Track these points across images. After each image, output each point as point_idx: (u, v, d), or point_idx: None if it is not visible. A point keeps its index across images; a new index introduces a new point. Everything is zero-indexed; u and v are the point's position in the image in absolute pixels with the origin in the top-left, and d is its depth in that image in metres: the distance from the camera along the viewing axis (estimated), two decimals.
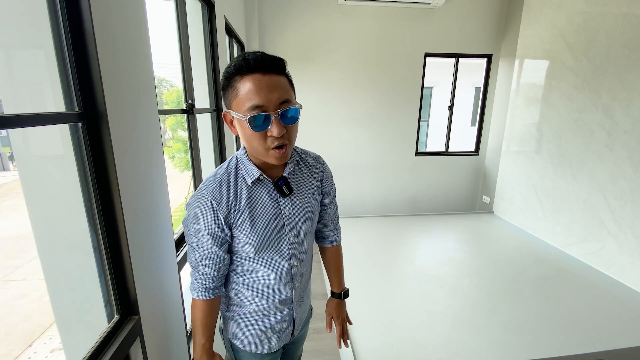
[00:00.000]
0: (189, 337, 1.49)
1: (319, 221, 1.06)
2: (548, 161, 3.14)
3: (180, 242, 1.44)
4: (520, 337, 1.89)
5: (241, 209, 0.83)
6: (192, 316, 0.92)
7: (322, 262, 1.18)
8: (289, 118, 0.77)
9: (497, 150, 3.96)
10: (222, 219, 0.82)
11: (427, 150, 5.25)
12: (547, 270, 2.65)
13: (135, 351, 0.91)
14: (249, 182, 0.84)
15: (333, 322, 1.16)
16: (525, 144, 3.45)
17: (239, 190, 0.84)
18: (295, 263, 0.95)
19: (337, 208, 1.10)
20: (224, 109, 0.85)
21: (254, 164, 0.85)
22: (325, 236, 1.11)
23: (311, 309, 1.18)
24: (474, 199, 4.41)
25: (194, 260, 0.87)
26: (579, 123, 2.80)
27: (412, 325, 1.99)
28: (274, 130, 0.75)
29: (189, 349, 1.37)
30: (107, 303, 0.88)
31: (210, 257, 0.86)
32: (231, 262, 0.92)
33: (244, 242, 0.86)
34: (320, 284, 2.91)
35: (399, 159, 4.12)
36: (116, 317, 0.87)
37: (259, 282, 0.93)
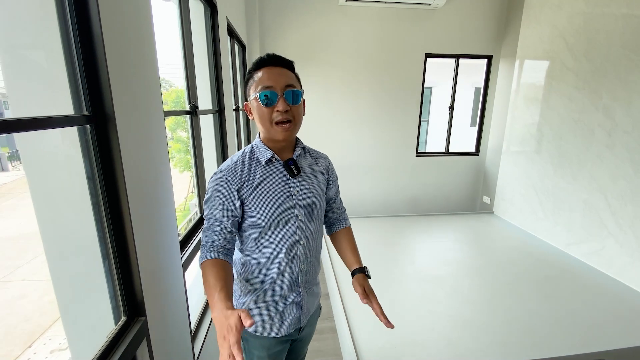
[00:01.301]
0: (193, 337, 1.49)
1: (328, 211, 1.18)
2: (548, 161, 3.15)
3: (184, 242, 1.44)
4: (521, 337, 1.90)
5: (254, 183, 0.94)
6: (203, 280, 0.88)
7: (336, 250, 1.21)
8: (292, 97, 0.92)
9: (498, 150, 3.97)
10: (235, 192, 0.93)
11: (427, 150, 5.26)
12: (548, 270, 2.66)
13: (142, 352, 0.91)
14: (263, 161, 0.96)
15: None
16: (526, 144, 3.46)
17: (252, 168, 0.96)
18: (302, 242, 1.01)
19: (341, 198, 1.25)
20: (244, 101, 1.01)
21: (268, 147, 0.98)
22: (336, 221, 1.21)
23: (320, 308, 1.19)
24: (474, 199, 4.42)
25: (206, 230, 0.94)
26: (579, 123, 2.82)
27: (414, 326, 1.99)
28: (279, 105, 0.91)
29: (193, 350, 1.37)
30: (114, 304, 0.88)
31: (219, 227, 0.93)
32: (242, 242, 1.00)
33: (257, 216, 0.95)
34: (322, 285, 2.91)
35: (400, 159, 4.13)
36: (123, 318, 0.88)
37: (268, 259, 0.98)
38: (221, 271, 0.87)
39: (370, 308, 1.04)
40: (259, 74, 0.92)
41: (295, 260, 1.00)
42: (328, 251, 2.97)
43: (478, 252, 3.03)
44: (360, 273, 1.13)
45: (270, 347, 1.04)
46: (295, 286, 1.02)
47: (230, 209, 0.93)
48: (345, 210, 1.25)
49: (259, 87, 0.91)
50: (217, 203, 0.93)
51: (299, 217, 0.99)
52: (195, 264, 1.55)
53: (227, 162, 0.96)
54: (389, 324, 1.04)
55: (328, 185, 1.13)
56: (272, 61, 0.93)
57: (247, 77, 0.97)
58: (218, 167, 0.97)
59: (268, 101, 0.90)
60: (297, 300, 1.04)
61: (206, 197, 0.96)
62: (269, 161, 0.97)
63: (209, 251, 0.91)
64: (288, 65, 0.96)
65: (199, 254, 0.94)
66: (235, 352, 0.66)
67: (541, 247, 3.08)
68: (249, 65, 3.49)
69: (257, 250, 0.98)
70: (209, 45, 2.03)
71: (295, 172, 0.99)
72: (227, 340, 0.68)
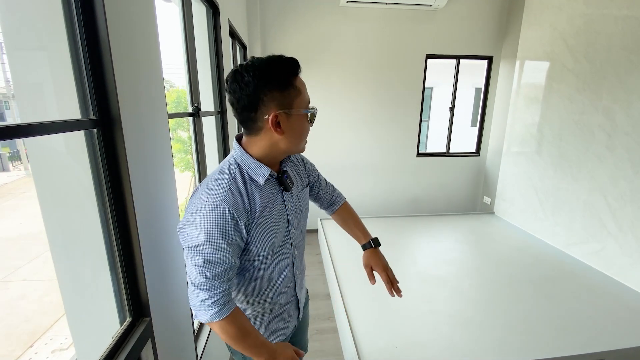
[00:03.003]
0: (196, 337, 1.50)
1: (319, 196, 1.18)
2: (548, 162, 3.16)
3: None
4: (522, 337, 1.91)
5: (257, 212, 0.83)
6: (230, 338, 0.82)
7: (343, 228, 1.26)
8: None
9: (498, 151, 3.98)
10: (242, 227, 0.80)
11: (428, 151, 5.27)
12: (548, 270, 2.67)
13: (147, 353, 0.92)
14: (261, 182, 0.84)
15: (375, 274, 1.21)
16: (526, 145, 3.46)
17: (250, 193, 0.82)
18: (296, 252, 1.00)
19: (324, 178, 1.22)
20: (279, 109, 0.81)
21: (262, 163, 0.84)
22: (332, 201, 1.22)
23: (307, 291, 1.22)
24: (474, 200, 4.43)
25: (214, 279, 0.78)
26: (580, 124, 2.82)
27: (415, 326, 2.00)
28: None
29: (196, 350, 1.38)
30: (119, 305, 0.89)
31: (227, 271, 0.79)
32: (248, 269, 0.91)
33: (260, 244, 0.85)
34: (322, 285, 2.92)
35: (400, 159, 4.14)
36: (128, 319, 0.88)
37: (269, 278, 0.93)
38: (246, 320, 0.85)
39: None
40: (301, 84, 0.83)
41: (292, 271, 0.99)
42: (329, 251, 2.98)
43: (479, 253, 3.04)
44: (369, 247, 1.17)
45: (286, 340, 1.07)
46: (293, 291, 1.03)
47: (238, 245, 0.81)
48: (333, 185, 1.25)
49: (305, 104, 0.83)
50: (222, 244, 0.77)
51: (293, 230, 0.96)
52: None
53: (217, 190, 0.78)
54: (392, 293, 1.15)
55: (308, 177, 1.10)
56: (299, 68, 0.82)
57: (284, 81, 0.79)
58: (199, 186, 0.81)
59: (313, 118, 0.85)
60: (294, 303, 1.06)
61: (195, 241, 0.76)
62: (266, 180, 0.85)
63: (222, 305, 0.79)
64: None
65: (199, 310, 0.79)
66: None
67: (541, 247, 3.09)
68: None
69: (257, 273, 0.91)
70: (211, 46, 2.04)
71: (290, 185, 0.92)
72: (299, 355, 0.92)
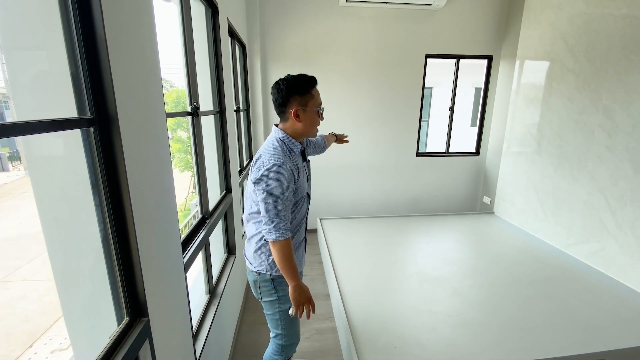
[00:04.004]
0: (194, 337, 1.50)
1: (317, 149, 1.75)
2: (548, 162, 3.16)
3: (186, 243, 1.45)
4: (522, 337, 1.90)
5: (299, 169, 1.35)
6: (283, 257, 1.28)
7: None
8: None
9: (498, 151, 3.97)
10: (295, 176, 1.31)
11: (428, 150, 5.26)
12: (548, 270, 2.67)
13: (145, 353, 0.92)
14: (297, 151, 1.39)
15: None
16: (526, 144, 3.46)
17: (292, 158, 1.34)
18: (309, 204, 1.52)
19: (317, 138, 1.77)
20: (299, 106, 1.36)
21: (297, 142, 1.39)
22: (324, 145, 1.81)
23: None
24: (474, 200, 4.43)
25: (283, 210, 1.26)
26: (580, 124, 2.82)
27: (414, 326, 2.00)
28: (322, 117, 1.40)
29: (195, 350, 1.37)
30: (117, 305, 0.89)
31: (289, 206, 1.29)
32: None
33: (299, 191, 1.36)
34: (322, 285, 2.91)
35: (400, 159, 4.13)
36: (126, 319, 0.88)
37: (300, 217, 1.43)
38: (292, 250, 1.32)
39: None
40: (316, 93, 1.34)
41: (306, 217, 1.50)
42: (328, 251, 2.98)
43: (478, 253, 3.04)
44: (334, 137, 1.92)
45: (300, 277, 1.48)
46: (304, 234, 1.53)
47: (293, 189, 1.30)
48: (321, 136, 1.79)
49: (317, 104, 1.35)
50: (288, 187, 1.26)
51: (307, 186, 1.46)
52: (195, 265, 1.56)
53: (280, 156, 1.27)
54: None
55: (307, 148, 1.65)
56: (315, 82, 1.36)
57: (304, 89, 1.31)
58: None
59: (322, 115, 1.39)
60: (304, 243, 1.55)
61: (272, 185, 1.24)
62: (300, 151, 1.41)
63: (286, 229, 1.28)
64: None
65: (271, 231, 1.27)
66: (313, 307, 1.38)
67: (541, 247, 3.08)
68: (249, 66, 3.50)
69: (295, 213, 1.39)
70: (210, 46, 2.03)
71: (307, 157, 1.50)
72: (312, 303, 1.36)
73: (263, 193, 1.25)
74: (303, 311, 1.35)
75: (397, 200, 4.26)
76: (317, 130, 1.41)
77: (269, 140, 1.36)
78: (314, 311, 1.38)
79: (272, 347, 1.60)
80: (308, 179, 1.47)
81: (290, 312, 1.37)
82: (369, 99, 3.90)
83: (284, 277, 1.33)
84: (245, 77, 3.36)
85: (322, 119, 1.38)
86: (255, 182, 1.27)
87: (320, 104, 1.35)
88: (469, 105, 7.66)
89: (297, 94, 1.30)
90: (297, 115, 1.31)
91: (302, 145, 1.45)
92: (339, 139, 1.97)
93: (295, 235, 1.43)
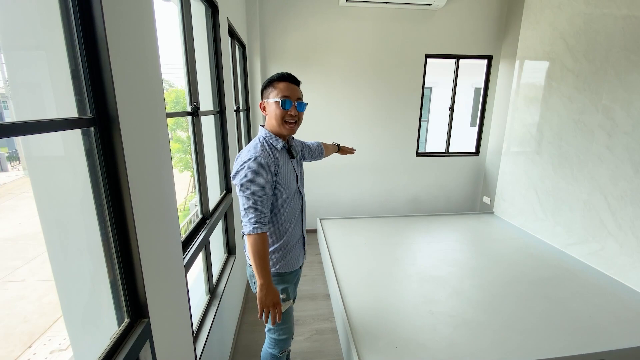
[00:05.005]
0: (195, 338, 1.50)
1: (313, 155, 1.77)
2: (548, 162, 3.16)
3: (186, 244, 1.44)
4: (522, 337, 1.90)
5: (279, 165, 1.34)
6: (255, 251, 1.25)
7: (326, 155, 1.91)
8: (300, 107, 1.36)
9: (498, 151, 3.97)
10: (272, 170, 1.30)
11: (427, 150, 5.27)
12: (548, 270, 2.67)
13: (145, 354, 0.91)
14: (279, 147, 1.37)
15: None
16: (526, 144, 3.46)
17: (273, 153, 1.34)
18: (304, 201, 1.54)
19: (310, 143, 1.79)
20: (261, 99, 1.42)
21: (279, 137, 1.39)
22: (320, 151, 1.82)
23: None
24: (474, 200, 4.43)
25: (258, 204, 1.26)
26: (579, 124, 2.82)
27: (415, 326, 2.00)
28: (292, 111, 1.34)
29: (195, 351, 1.37)
30: (117, 306, 0.88)
31: (266, 200, 1.28)
32: (275, 206, 1.38)
33: (282, 188, 1.36)
34: (322, 285, 2.91)
35: (400, 159, 4.13)
36: (126, 320, 0.87)
37: (291, 214, 1.42)
38: (267, 254, 1.28)
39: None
40: (281, 85, 1.32)
41: (301, 216, 1.50)
42: (328, 252, 2.97)
43: (478, 253, 3.04)
44: (337, 147, 1.97)
45: (297, 275, 1.55)
46: (301, 232, 1.52)
47: (271, 184, 1.29)
48: (320, 143, 1.83)
49: (280, 95, 1.31)
50: (263, 180, 1.26)
51: (299, 183, 1.47)
52: (196, 265, 1.55)
53: (258, 153, 1.27)
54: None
55: (303, 156, 1.69)
56: (290, 79, 1.35)
57: (267, 83, 1.35)
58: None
59: (285, 107, 1.32)
60: (302, 241, 1.54)
61: (246, 178, 1.25)
62: (282, 148, 1.38)
63: (262, 224, 1.26)
64: (299, 83, 1.39)
65: (246, 224, 1.26)
66: (279, 315, 1.28)
67: (541, 247, 3.08)
68: (249, 66, 3.49)
69: (281, 210, 1.39)
70: (210, 46, 2.03)
71: (294, 155, 1.45)
72: (277, 309, 1.27)
73: (239, 186, 1.27)
74: (269, 315, 1.26)
75: (397, 200, 4.26)
76: (289, 125, 1.34)
77: (252, 140, 1.40)
78: (279, 319, 1.27)
79: (267, 341, 1.62)
80: (298, 177, 1.45)
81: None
82: (368, 99, 3.90)
83: (255, 273, 1.27)
84: (245, 77, 3.36)
85: (286, 110, 1.31)
86: (234, 177, 1.30)
87: (286, 96, 1.30)
88: (469, 105, 7.66)
89: (264, 88, 1.37)
90: (263, 109, 1.37)
91: (290, 143, 1.45)
92: (343, 150, 1.98)
93: (288, 234, 1.43)
